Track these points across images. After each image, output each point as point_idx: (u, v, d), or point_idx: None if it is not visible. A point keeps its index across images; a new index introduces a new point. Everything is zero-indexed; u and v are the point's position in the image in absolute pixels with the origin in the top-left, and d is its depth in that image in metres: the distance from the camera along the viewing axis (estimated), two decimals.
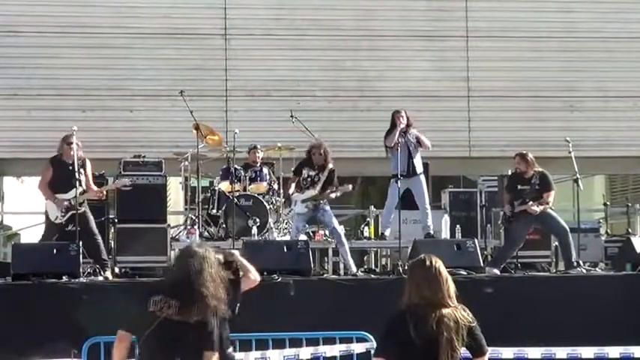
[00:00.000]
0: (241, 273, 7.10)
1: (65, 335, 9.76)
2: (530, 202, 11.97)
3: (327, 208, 12.12)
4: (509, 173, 12.61)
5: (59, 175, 11.48)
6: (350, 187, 12.40)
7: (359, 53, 15.75)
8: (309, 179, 12.11)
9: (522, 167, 12.18)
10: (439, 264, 5.60)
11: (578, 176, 12.30)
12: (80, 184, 11.36)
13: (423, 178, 12.87)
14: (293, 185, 12.19)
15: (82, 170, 11.42)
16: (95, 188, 11.74)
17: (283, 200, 13.15)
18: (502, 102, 15.86)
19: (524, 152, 12.29)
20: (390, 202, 12.69)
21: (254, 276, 7.10)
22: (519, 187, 12.15)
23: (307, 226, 12.57)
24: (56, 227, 11.51)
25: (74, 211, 11.33)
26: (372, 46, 15.78)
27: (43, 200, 11.80)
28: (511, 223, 12.22)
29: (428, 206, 12.88)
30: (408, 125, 12.76)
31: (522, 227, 12.20)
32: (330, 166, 12.13)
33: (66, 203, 11.40)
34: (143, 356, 5.91)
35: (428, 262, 5.60)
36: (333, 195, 12.13)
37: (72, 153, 11.37)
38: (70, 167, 11.41)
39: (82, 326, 9.50)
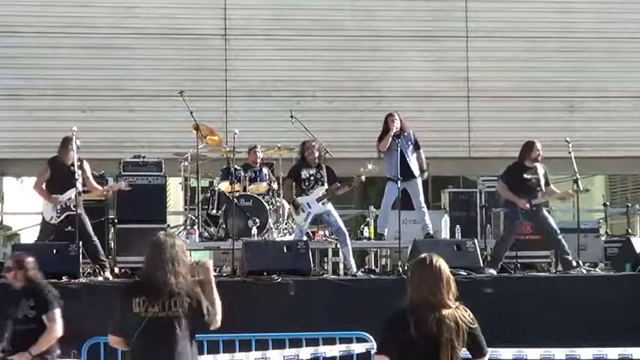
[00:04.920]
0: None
1: (65, 335, 9.74)
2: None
3: (331, 208, 12.08)
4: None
5: (57, 176, 11.48)
6: (363, 176, 12.18)
7: (359, 53, 15.74)
8: (311, 178, 12.06)
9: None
10: (440, 263, 5.54)
11: (578, 176, 12.30)
12: (78, 185, 11.35)
13: (419, 180, 12.82)
14: (293, 191, 12.09)
15: (79, 172, 11.38)
16: (99, 187, 11.78)
17: (291, 207, 13.10)
18: (502, 102, 15.86)
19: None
20: (386, 202, 12.67)
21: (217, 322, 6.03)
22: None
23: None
24: (51, 228, 11.51)
25: (69, 212, 11.34)
26: (372, 46, 15.78)
27: (41, 200, 11.80)
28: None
29: (424, 205, 12.85)
30: (402, 129, 12.71)
31: (514, 221, 12.19)
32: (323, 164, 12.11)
33: (59, 206, 11.39)
34: (134, 357, 5.94)
35: (428, 262, 5.55)
36: (341, 191, 12.09)
37: (71, 154, 11.37)
38: (68, 169, 11.41)
39: (82, 326, 9.48)
